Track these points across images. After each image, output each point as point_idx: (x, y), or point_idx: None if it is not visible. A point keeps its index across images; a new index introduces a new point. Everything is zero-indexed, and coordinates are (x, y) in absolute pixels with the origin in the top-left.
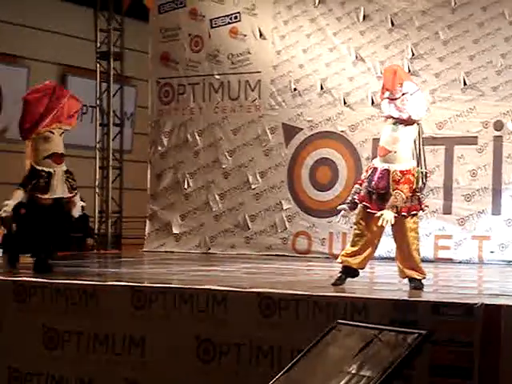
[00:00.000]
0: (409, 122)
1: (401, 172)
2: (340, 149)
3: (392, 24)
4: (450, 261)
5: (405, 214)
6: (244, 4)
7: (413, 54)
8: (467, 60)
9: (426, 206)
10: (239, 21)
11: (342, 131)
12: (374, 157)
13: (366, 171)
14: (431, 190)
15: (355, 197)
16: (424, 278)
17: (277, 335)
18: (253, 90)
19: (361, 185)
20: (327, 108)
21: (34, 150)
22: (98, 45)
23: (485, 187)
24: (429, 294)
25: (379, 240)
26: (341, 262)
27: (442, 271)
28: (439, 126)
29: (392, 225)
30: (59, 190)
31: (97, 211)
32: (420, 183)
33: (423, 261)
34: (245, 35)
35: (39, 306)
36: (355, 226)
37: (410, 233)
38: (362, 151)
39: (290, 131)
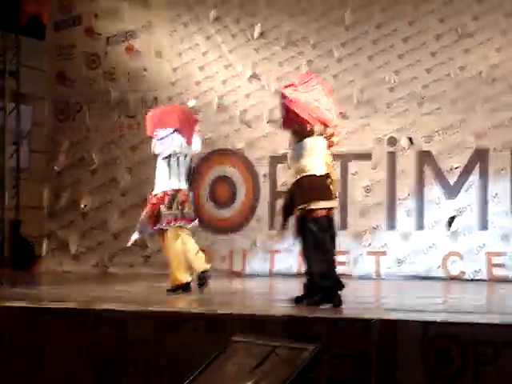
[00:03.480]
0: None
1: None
2: (238, 166)
3: (287, 41)
4: (347, 276)
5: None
6: (140, 21)
7: (307, 71)
8: (361, 77)
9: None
10: (136, 38)
11: (239, 149)
12: (272, 173)
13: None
14: None
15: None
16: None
17: (175, 353)
18: (150, 108)
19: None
20: (224, 125)
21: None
22: None
23: (379, 202)
24: (326, 310)
25: None
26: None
27: None
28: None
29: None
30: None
31: None
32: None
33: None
34: (141, 52)
35: None
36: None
37: None
38: (260, 168)
39: None
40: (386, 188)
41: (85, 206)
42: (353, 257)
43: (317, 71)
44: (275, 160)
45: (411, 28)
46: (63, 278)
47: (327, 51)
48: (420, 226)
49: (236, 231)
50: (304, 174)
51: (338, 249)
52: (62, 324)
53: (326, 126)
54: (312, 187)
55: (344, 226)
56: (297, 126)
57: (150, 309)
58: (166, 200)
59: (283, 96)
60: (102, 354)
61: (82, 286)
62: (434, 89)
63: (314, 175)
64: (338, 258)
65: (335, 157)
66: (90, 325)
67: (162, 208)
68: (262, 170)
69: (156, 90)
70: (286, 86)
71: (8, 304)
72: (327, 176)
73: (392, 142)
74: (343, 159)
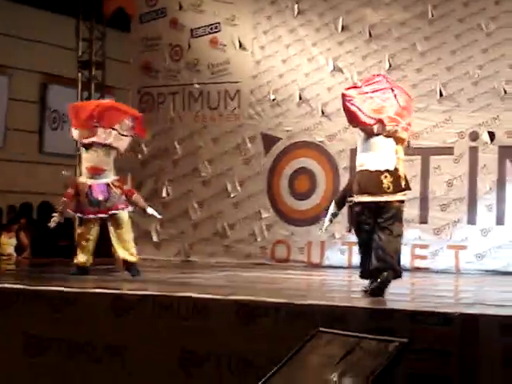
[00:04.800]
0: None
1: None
2: (318, 158)
3: (370, 35)
4: (427, 270)
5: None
6: (224, 14)
7: (390, 65)
8: (444, 71)
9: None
10: (219, 31)
11: (320, 141)
12: (352, 166)
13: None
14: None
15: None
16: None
17: (256, 343)
18: (232, 100)
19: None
20: (305, 118)
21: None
22: (80, 54)
23: (460, 197)
24: (406, 303)
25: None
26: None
27: (419, 280)
28: (415, 137)
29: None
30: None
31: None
32: None
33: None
34: (225, 45)
35: (20, 312)
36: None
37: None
38: (340, 161)
39: (269, 140)
40: (467, 183)
41: (167, 195)
42: (433, 251)
43: (400, 65)
44: (356, 153)
45: (494, 23)
46: (147, 266)
47: (410, 45)
48: (501, 220)
49: (315, 223)
50: (358, 169)
51: (418, 242)
52: (144, 311)
53: (384, 125)
54: (359, 182)
55: (424, 220)
56: (357, 124)
57: (231, 298)
58: None
59: (343, 96)
60: (184, 342)
61: (163, 274)
62: None
63: (367, 170)
64: (418, 252)
65: (416, 150)
66: (171, 312)
67: None
68: (343, 162)
69: (238, 83)
70: (349, 88)
71: (91, 291)
72: (387, 171)
73: (474, 136)
74: (425, 153)
